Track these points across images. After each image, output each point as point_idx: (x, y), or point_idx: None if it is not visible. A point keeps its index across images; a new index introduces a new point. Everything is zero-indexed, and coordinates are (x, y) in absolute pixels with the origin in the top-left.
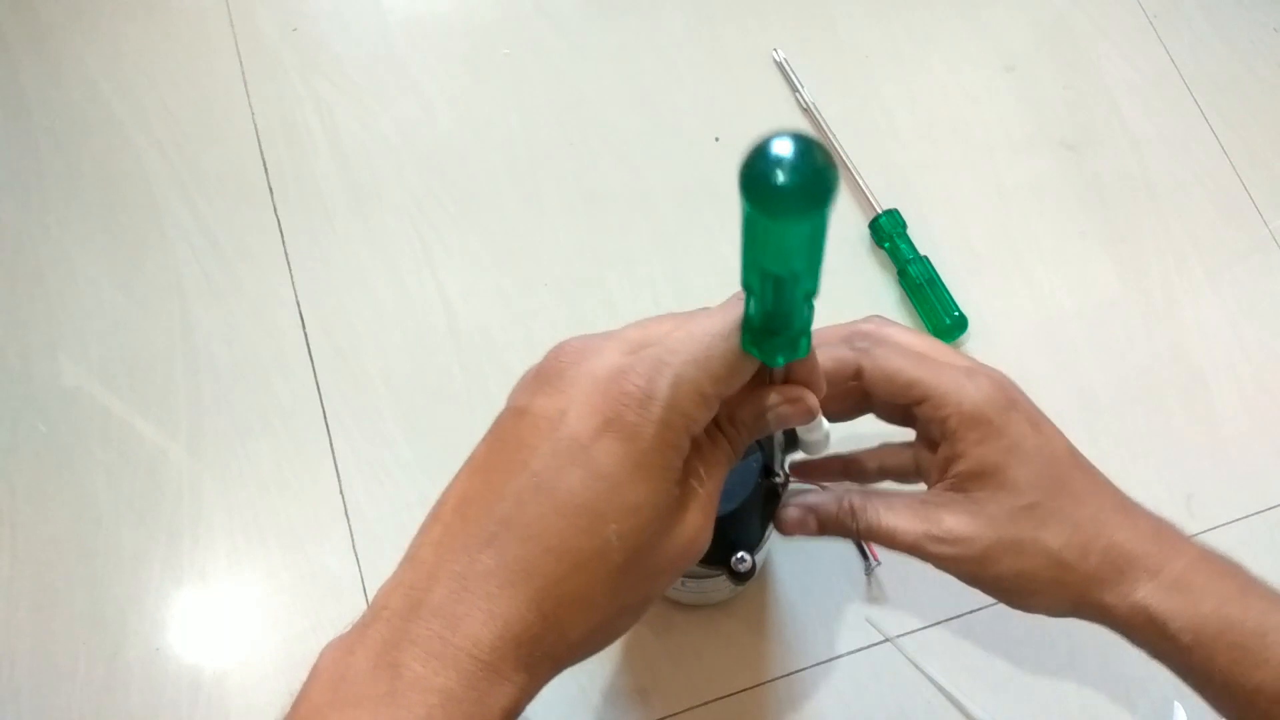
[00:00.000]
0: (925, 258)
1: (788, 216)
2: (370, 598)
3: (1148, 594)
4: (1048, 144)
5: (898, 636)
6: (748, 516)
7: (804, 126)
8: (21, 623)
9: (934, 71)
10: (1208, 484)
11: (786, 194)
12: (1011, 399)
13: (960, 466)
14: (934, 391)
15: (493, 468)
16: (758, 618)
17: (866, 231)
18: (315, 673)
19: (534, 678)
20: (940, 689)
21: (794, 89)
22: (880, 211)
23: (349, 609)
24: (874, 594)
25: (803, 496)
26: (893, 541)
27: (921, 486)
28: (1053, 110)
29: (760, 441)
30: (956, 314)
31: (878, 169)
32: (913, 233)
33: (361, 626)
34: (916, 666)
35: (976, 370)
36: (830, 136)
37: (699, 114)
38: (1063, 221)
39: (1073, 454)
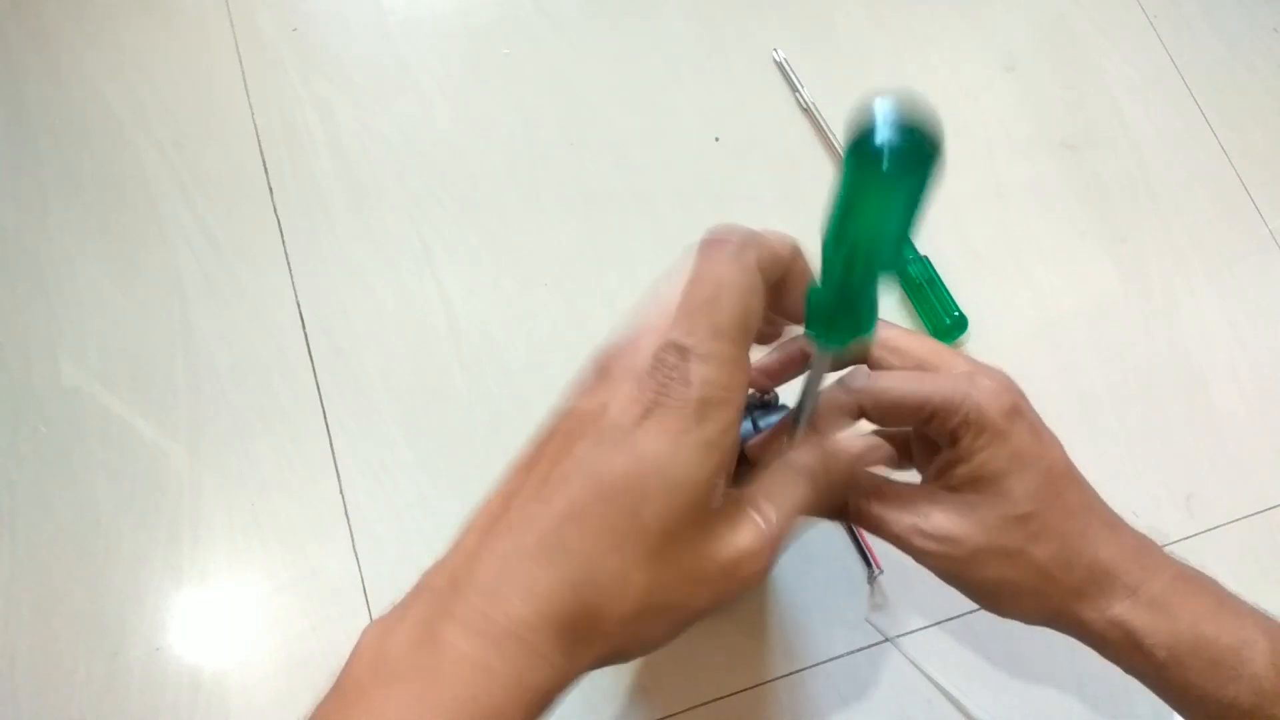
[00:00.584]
0: (925, 258)
1: (901, 172)
2: (370, 597)
3: (1125, 610)
4: (1048, 144)
5: (898, 636)
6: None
7: (804, 126)
8: (21, 623)
9: (934, 71)
10: (1208, 484)
11: (902, 150)
12: (1016, 404)
13: (961, 471)
14: (940, 405)
15: (538, 461)
16: (758, 618)
17: None
18: (357, 651)
19: (572, 662)
20: (940, 689)
21: (794, 89)
22: None
23: (349, 609)
24: (875, 594)
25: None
26: (879, 528)
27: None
28: (1053, 110)
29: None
30: (956, 314)
31: None
32: (913, 232)
33: (403, 607)
34: (916, 666)
35: (978, 373)
36: (830, 136)
37: (699, 114)
38: (1063, 221)
39: (1068, 465)
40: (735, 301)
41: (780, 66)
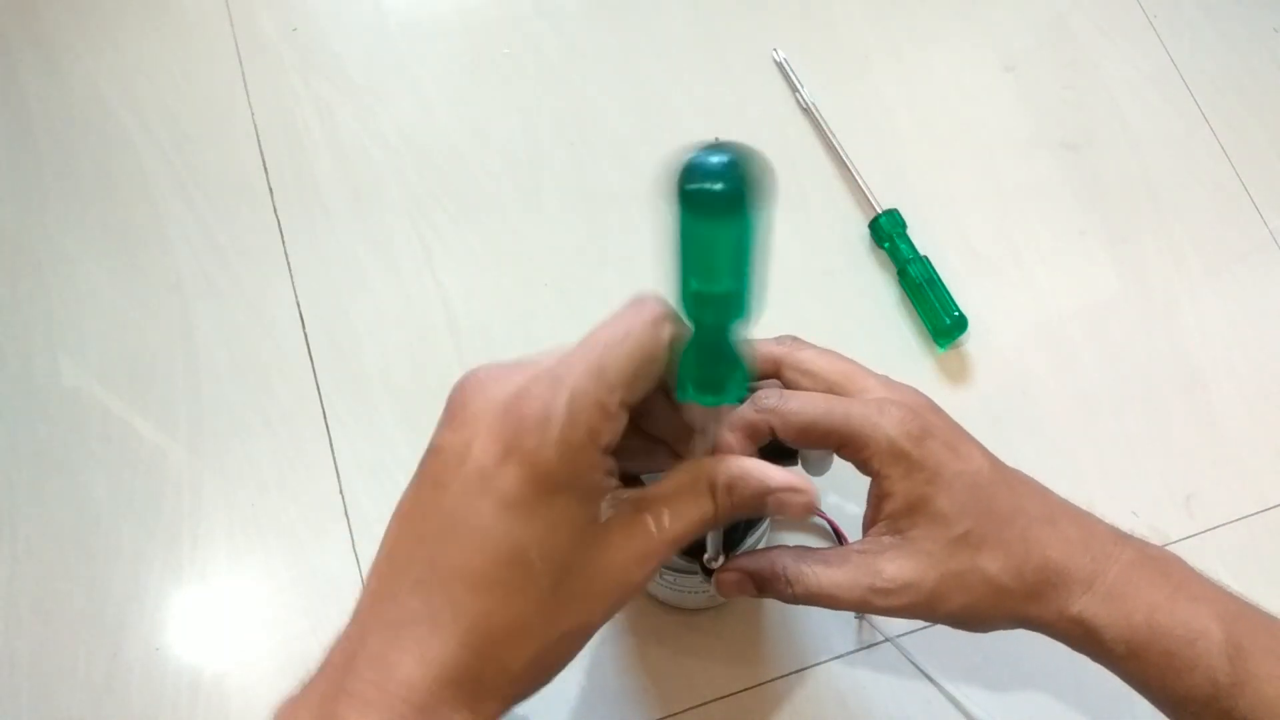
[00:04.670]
0: (925, 258)
1: (720, 214)
2: None
3: (1083, 606)
4: (1048, 144)
5: (898, 636)
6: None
7: (804, 126)
8: (21, 623)
9: (934, 71)
10: (1208, 484)
11: (720, 193)
12: (925, 426)
13: (890, 505)
14: (849, 435)
15: (413, 512)
16: (757, 617)
17: (866, 231)
18: None
19: (478, 717)
20: (940, 689)
21: (794, 89)
22: (880, 211)
23: (349, 609)
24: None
25: (737, 559)
26: (835, 601)
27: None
28: (1053, 110)
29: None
30: (956, 314)
31: (878, 169)
32: (913, 233)
33: (308, 686)
34: (916, 666)
35: (887, 400)
36: (830, 136)
37: (699, 114)
38: (1063, 221)
39: (994, 470)
40: (631, 353)
41: (780, 66)
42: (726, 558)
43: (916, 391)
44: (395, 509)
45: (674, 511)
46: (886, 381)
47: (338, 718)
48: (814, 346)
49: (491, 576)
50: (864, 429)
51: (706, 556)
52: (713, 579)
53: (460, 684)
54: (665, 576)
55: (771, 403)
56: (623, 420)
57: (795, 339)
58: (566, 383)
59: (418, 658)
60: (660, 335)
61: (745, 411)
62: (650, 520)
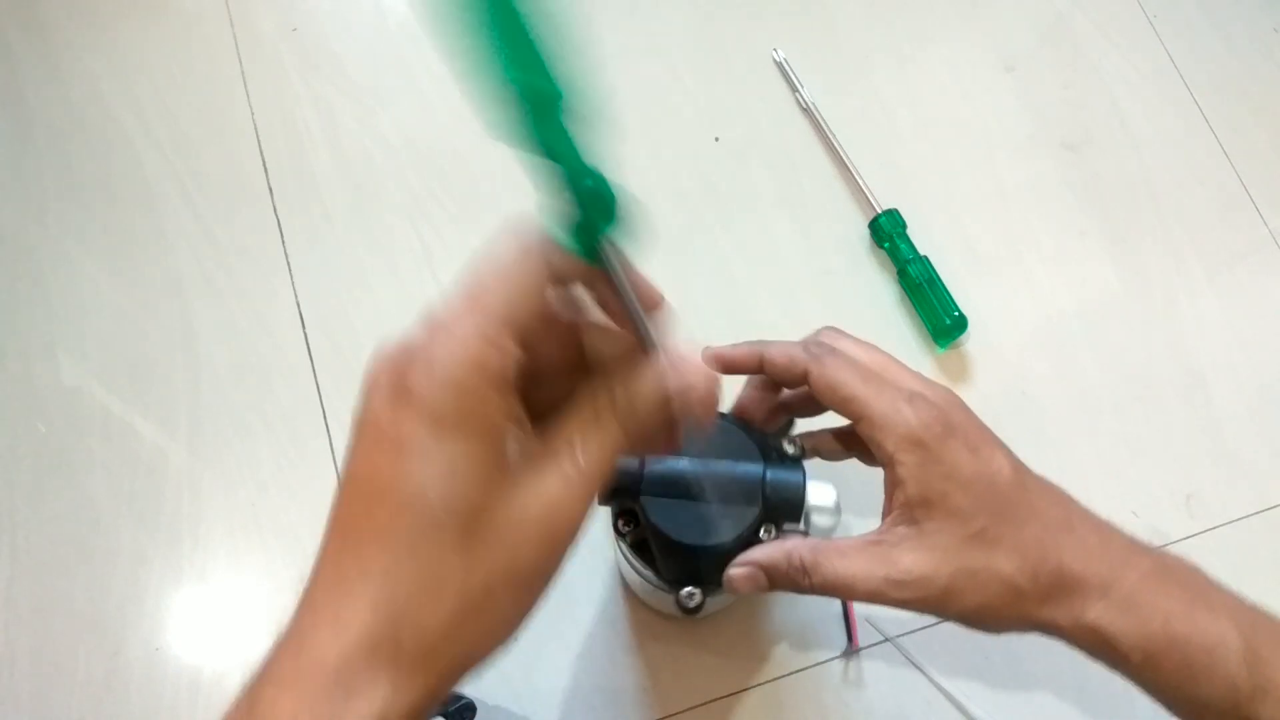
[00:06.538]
0: (925, 258)
1: None
2: None
3: (1098, 614)
4: (1048, 144)
5: (898, 636)
6: (727, 555)
7: (804, 126)
8: (21, 623)
9: (934, 71)
10: (1208, 484)
11: None
12: (950, 425)
13: (903, 493)
14: (871, 412)
15: (337, 492)
16: (757, 617)
17: (866, 231)
18: None
19: (402, 688)
20: (940, 689)
21: (794, 89)
22: (880, 211)
23: None
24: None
25: (751, 553)
26: (851, 591)
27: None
28: (1053, 110)
29: (766, 500)
30: (956, 314)
31: (878, 169)
32: (913, 233)
33: (243, 684)
34: (916, 666)
35: (920, 395)
36: (830, 136)
37: (699, 114)
38: (1063, 221)
39: (1015, 474)
40: (500, 276)
41: (780, 66)
42: (704, 594)
43: (949, 392)
44: None
45: (584, 445)
46: (921, 378)
47: (257, 701)
48: (853, 337)
49: (395, 528)
50: (887, 412)
51: (683, 593)
52: (724, 576)
53: (377, 649)
54: (646, 587)
55: (820, 350)
56: (509, 349)
57: (835, 329)
58: (445, 323)
59: (331, 630)
60: (533, 260)
61: (793, 348)
62: (563, 457)
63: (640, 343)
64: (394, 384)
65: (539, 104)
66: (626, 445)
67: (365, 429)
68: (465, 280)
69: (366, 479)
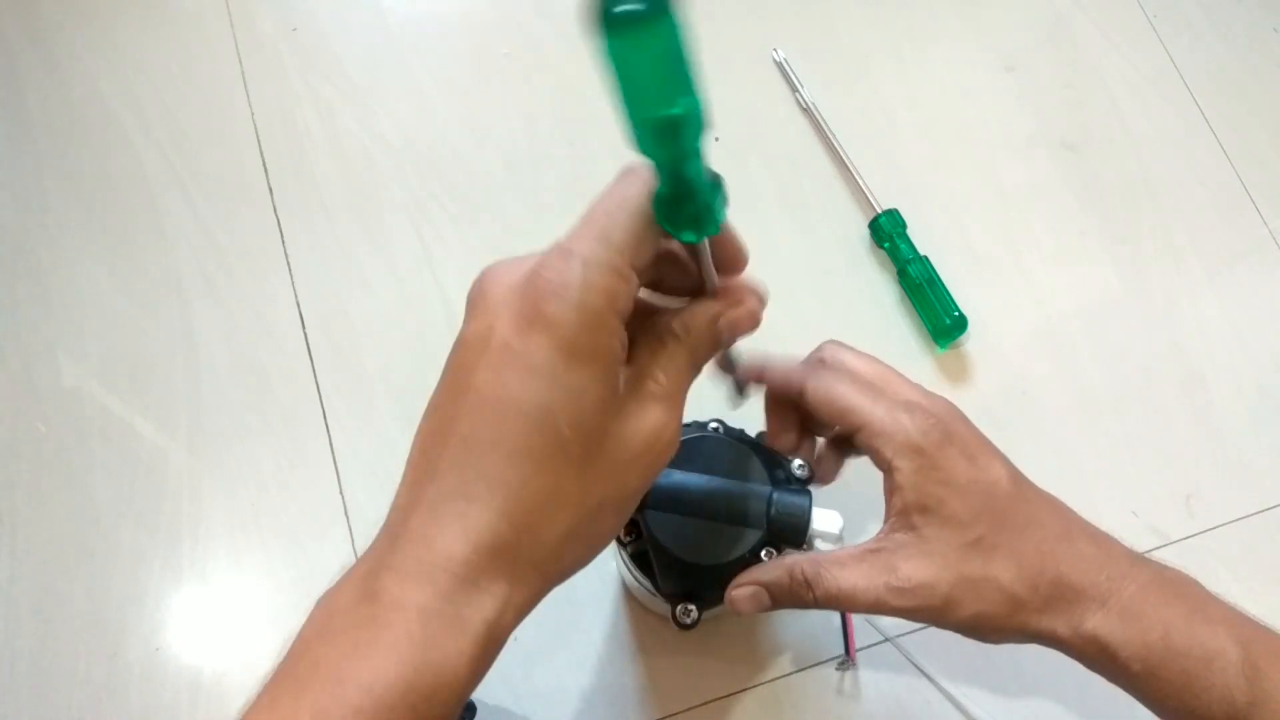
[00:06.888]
0: (925, 258)
1: (629, 27)
2: None
3: (1097, 624)
4: (1048, 144)
5: (898, 636)
6: (727, 574)
7: (804, 126)
8: (22, 623)
9: (934, 71)
10: (1208, 484)
11: (637, 6)
12: (948, 433)
13: (901, 499)
14: (869, 421)
15: (444, 401)
16: (757, 617)
17: (866, 231)
18: (309, 617)
19: (518, 588)
20: (940, 689)
21: (794, 89)
22: (880, 211)
23: None
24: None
25: (752, 572)
26: (854, 603)
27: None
28: (1053, 110)
29: (770, 523)
30: (956, 314)
31: (878, 169)
32: (913, 233)
33: (349, 571)
34: (916, 666)
35: (918, 404)
36: (830, 136)
37: None
38: (1063, 221)
39: (1014, 483)
40: (630, 215)
41: (780, 66)
42: (698, 611)
43: (949, 402)
44: (425, 407)
45: (664, 370)
46: (921, 389)
47: (380, 590)
48: (854, 350)
49: (524, 446)
50: (884, 420)
51: (678, 610)
52: (725, 596)
53: (498, 553)
54: (644, 594)
55: (824, 354)
56: (635, 284)
57: (836, 343)
58: (577, 252)
59: (458, 531)
60: (651, 195)
61: (790, 365)
62: (651, 384)
63: (704, 284)
64: (527, 309)
65: (679, 130)
66: (697, 369)
67: (494, 350)
68: (592, 213)
69: (496, 398)
